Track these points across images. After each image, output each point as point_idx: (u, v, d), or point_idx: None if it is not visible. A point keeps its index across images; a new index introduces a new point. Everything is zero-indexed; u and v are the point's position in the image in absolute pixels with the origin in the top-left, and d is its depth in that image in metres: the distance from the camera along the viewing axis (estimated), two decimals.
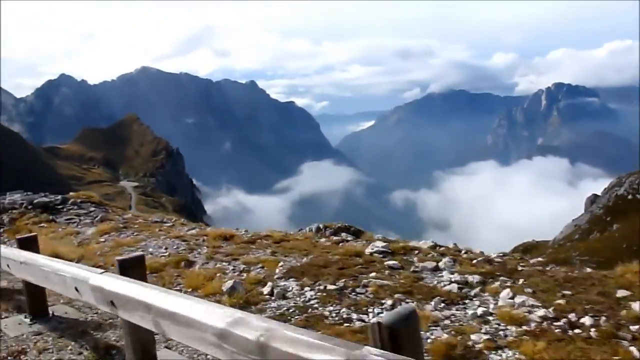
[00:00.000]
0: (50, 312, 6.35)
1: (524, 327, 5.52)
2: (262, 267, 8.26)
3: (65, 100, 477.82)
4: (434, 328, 5.64)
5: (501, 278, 7.33)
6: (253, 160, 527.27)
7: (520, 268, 8.01)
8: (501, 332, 5.47)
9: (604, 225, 65.05)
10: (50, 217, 14.65)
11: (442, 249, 9.75)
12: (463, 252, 9.47)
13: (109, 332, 5.84)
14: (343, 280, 7.25)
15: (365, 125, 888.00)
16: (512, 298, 6.39)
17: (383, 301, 6.49)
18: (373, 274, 7.53)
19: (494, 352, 4.99)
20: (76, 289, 4.36)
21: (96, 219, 14.47)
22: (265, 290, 7.03)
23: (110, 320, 6.11)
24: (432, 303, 6.40)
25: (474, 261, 8.42)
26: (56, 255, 7.50)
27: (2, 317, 6.55)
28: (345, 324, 5.84)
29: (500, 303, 6.35)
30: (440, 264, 8.03)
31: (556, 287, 6.83)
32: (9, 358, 5.17)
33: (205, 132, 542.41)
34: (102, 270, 4.24)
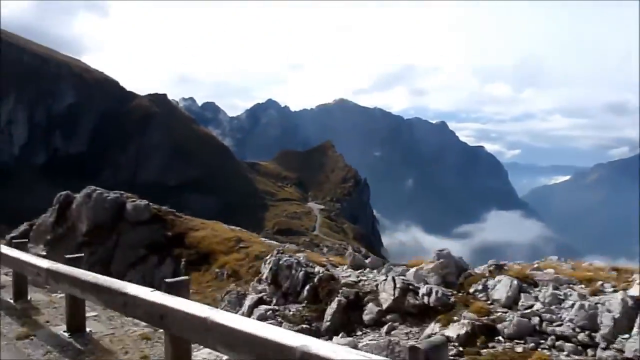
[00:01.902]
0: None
1: None
2: None
3: (269, 122, 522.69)
4: None
5: None
6: (434, 200, 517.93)
7: None
8: None
9: None
10: None
11: None
12: None
13: None
14: None
15: (559, 179, 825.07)
16: None
17: None
18: None
19: None
20: None
21: None
22: None
23: None
24: None
25: None
26: None
27: None
28: None
29: None
30: None
31: None
32: None
33: (390, 166, 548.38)
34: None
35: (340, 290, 9.76)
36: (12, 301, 8.03)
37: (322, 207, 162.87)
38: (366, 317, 9.03)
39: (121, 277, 4.94)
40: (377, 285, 9.77)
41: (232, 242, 15.16)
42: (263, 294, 11.58)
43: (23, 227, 24.37)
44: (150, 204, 21.60)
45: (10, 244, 9.24)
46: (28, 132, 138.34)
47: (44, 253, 17.61)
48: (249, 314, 10.76)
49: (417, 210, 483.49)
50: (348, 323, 9.10)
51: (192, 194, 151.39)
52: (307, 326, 9.14)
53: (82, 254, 7.10)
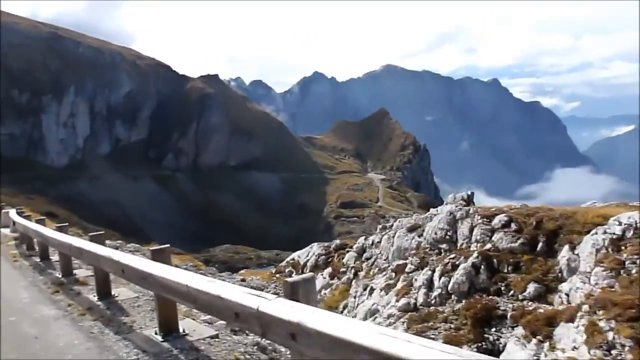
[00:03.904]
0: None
1: None
2: None
3: (319, 95, 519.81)
4: None
5: None
6: (492, 161, 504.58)
7: None
8: None
9: None
10: None
11: None
12: None
13: None
14: None
15: (622, 130, 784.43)
16: None
17: None
18: None
19: None
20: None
21: None
22: None
23: None
24: None
25: None
26: None
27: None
28: None
29: None
30: None
31: None
32: None
33: (444, 130, 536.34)
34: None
35: None
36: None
37: (383, 177, 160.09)
38: None
39: None
40: None
41: None
42: None
43: None
44: None
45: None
46: (90, 123, 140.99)
47: None
48: None
49: (477, 173, 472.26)
50: None
51: (254, 173, 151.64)
52: None
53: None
